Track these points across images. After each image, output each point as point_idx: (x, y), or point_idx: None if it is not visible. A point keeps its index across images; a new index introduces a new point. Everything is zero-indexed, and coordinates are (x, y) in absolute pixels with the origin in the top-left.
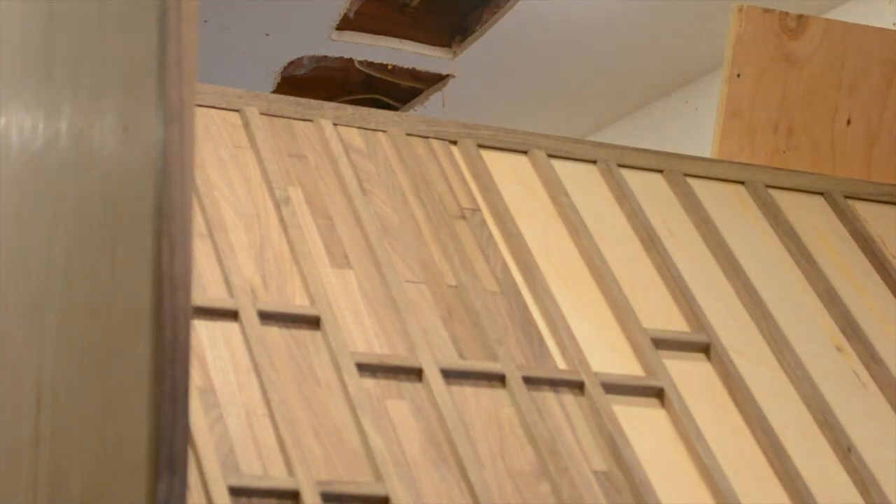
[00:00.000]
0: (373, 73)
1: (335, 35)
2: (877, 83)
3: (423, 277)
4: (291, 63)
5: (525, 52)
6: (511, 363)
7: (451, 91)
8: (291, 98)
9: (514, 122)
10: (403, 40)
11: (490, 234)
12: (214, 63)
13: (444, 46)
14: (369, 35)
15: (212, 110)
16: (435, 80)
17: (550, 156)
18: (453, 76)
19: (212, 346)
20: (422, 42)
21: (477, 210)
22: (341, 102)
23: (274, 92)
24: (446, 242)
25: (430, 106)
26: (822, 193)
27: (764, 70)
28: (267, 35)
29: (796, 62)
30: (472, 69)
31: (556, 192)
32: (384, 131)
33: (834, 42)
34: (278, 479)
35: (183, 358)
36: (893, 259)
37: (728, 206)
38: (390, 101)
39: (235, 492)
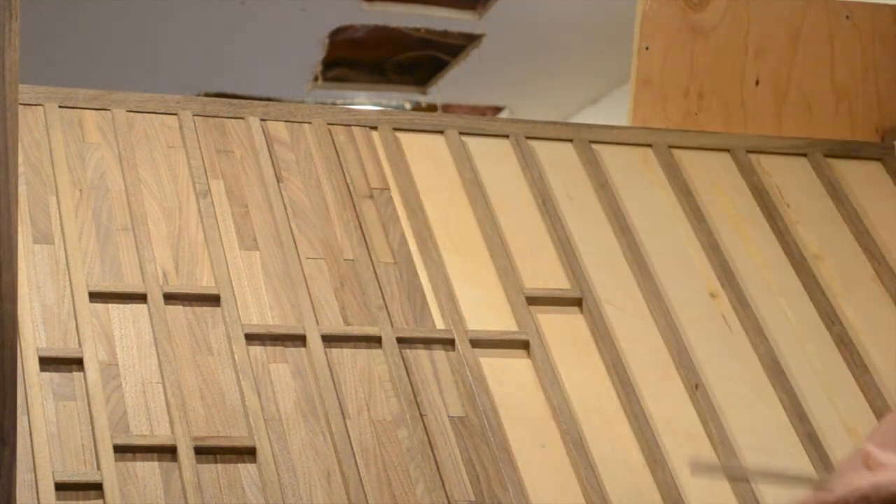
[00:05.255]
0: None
1: (365, 6)
2: (783, 46)
3: (323, 253)
4: (347, 27)
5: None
6: (388, 326)
7: (485, 48)
8: (224, 100)
9: (549, 75)
10: (430, 6)
11: (394, 210)
12: (252, 39)
13: (468, 10)
14: (397, 3)
15: (152, 115)
16: (472, 40)
17: (464, 134)
18: (485, 34)
19: (120, 325)
20: (447, 7)
21: (385, 189)
22: (401, 59)
23: (328, 55)
24: (349, 220)
25: (471, 62)
26: (728, 150)
27: (671, 42)
28: (302, 10)
29: (702, 33)
30: (500, 27)
31: (463, 168)
32: (309, 122)
33: (738, 12)
34: (160, 436)
35: (11, 356)
36: (787, 207)
37: (632, 168)
38: (445, 58)
39: (121, 449)
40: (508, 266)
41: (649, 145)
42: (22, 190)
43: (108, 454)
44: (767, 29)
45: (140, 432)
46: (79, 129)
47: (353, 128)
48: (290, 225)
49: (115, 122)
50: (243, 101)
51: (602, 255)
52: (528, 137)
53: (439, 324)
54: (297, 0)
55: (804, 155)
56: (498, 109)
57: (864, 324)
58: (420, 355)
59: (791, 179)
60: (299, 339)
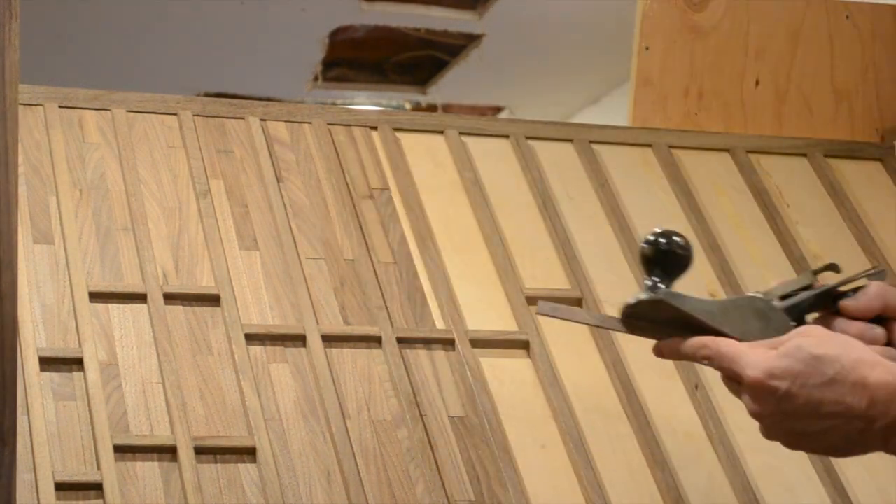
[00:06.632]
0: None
1: (365, 6)
2: (783, 46)
3: (323, 253)
4: (347, 27)
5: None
6: (388, 326)
7: (485, 48)
8: (224, 100)
9: (549, 75)
10: (430, 6)
11: (394, 211)
12: (252, 39)
13: (468, 10)
14: (397, 3)
15: (152, 116)
16: (472, 40)
17: (464, 134)
18: (485, 34)
19: (120, 325)
20: (447, 7)
21: (385, 189)
22: (401, 59)
23: (328, 55)
24: (349, 221)
25: (471, 62)
26: (728, 150)
27: (671, 42)
28: (303, 10)
29: (702, 33)
30: (500, 27)
31: (463, 168)
32: (309, 122)
33: (737, 12)
34: (160, 436)
35: (11, 356)
36: (787, 207)
37: (632, 168)
38: (445, 58)
39: (121, 449)
40: (508, 266)
41: (649, 145)
42: (22, 190)
43: (108, 454)
44: (767, 29)
45: (140, 432)
46: (79, 129)
47: (353, 128)
48: (290, 225)
49: (115, 122)
50: (243, 101)
51: (602, 255)
52: (528, 137)
53: (439, 324)
54: (297, 0)
55: (804, 155)
56: (498, 109)
57: None
58: (420, 355)
59: (791, 179)
60: (299, 339)
